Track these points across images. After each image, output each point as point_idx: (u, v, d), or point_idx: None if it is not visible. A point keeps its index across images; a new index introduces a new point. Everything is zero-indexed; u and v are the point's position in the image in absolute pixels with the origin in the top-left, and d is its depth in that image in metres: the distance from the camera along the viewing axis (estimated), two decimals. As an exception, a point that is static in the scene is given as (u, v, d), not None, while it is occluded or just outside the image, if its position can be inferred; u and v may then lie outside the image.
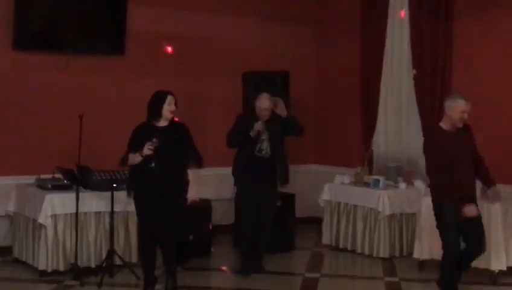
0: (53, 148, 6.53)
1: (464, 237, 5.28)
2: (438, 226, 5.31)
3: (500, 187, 5.87)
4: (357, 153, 7.81)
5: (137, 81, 7.06)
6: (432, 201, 5.32)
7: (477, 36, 6.82)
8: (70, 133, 6.03)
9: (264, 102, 6.05)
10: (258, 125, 5.99)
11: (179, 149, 5.21)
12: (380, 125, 7.79)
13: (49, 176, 6.18)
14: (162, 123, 5.27)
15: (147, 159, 5.13)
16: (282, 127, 6.18)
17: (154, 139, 5.08)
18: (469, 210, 5.12)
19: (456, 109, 5.23)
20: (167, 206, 5.23)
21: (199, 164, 5.30)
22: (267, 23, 7.93)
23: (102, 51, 6.86)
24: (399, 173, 7.20)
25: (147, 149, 5.10)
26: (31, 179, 6.27)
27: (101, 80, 6.92)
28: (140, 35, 7.05)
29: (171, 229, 5.30)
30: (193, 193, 5.32)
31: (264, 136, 6.07)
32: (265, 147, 6.08)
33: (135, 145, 5.20)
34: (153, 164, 5.13)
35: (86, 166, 5.67)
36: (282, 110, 6.71)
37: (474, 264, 5.82)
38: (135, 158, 5.16)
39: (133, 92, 7.04)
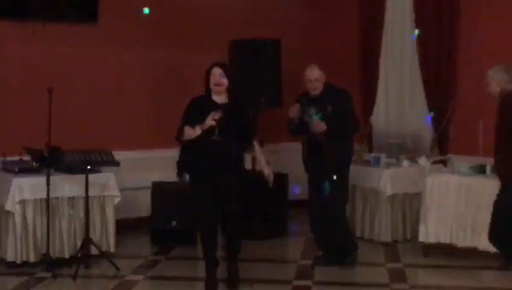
0: (20, 126, 6.48)
1: None
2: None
3: None
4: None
5: (112, 52, 7.05)
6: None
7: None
8: (39, 110, 5.97)
9: (310, 72, 5.63)
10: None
11: (240, 125, 5.32)
12: (380, 97, 7.78)
13: (16, 157, 6.13)
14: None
15: (207, 132, 5.20)
16: (335, 106, 5.57)
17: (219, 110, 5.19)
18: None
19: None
20: (230, 183, 5.30)
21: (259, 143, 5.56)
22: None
23: (73, 18, 6.81)
24: (401, 149, 7.18)
25: (210, 120, 5.17)
26: (-5, 161, 6.21)
27: (72, 51, 6.87)
28: (115, 1, 6.98)
29: (235, 209, 5.33)
30: (269, 170, 5.34)
31: (312, 117, 5.54)
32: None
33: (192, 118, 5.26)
34: (216, 137, 5.20)
35: (56, 146, 5.63)
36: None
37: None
38: (195, 131, 5.18)
39: (108, 63, 7.02)
